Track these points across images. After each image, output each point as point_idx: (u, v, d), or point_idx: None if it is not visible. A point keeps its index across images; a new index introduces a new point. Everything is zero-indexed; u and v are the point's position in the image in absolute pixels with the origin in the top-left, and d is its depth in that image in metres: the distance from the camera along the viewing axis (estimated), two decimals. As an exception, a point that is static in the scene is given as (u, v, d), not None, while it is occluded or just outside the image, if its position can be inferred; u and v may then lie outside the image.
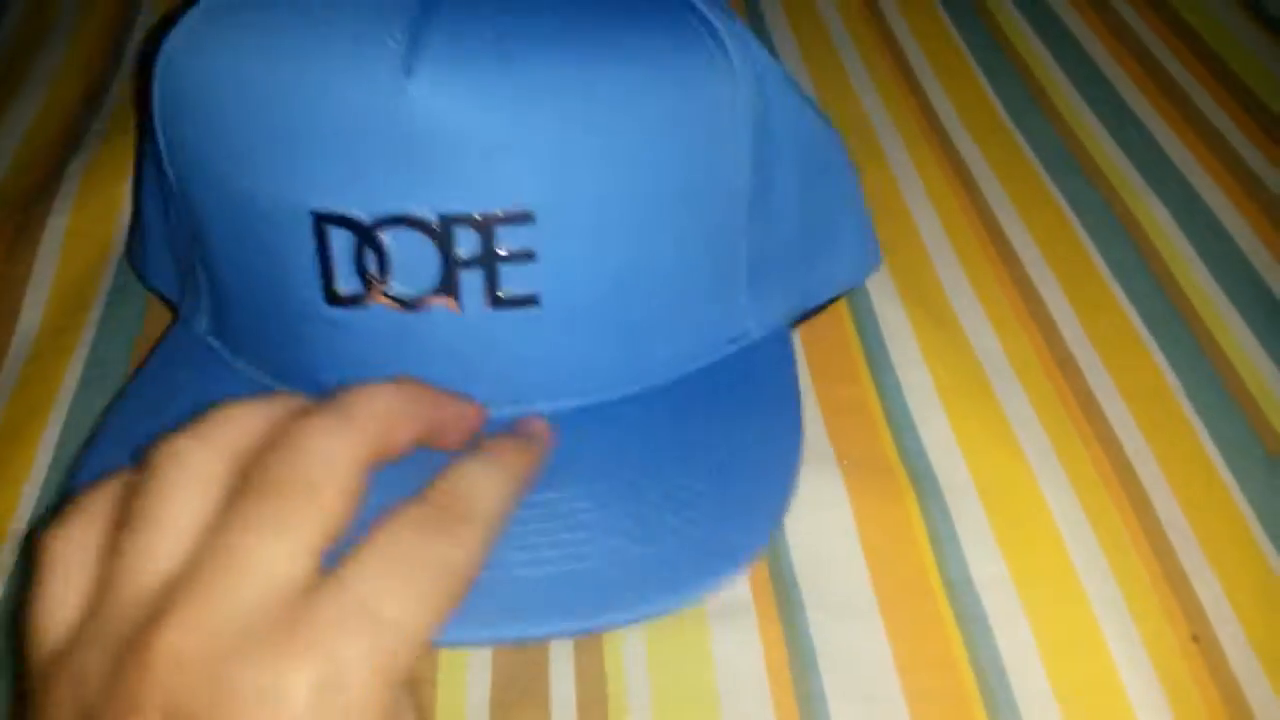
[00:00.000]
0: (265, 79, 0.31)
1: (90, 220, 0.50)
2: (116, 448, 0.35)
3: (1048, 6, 0.61)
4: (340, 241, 0.31)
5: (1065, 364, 0.42)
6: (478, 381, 0.33)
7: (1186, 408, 0.40)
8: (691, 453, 0.34)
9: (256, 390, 0.35)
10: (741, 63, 0.33)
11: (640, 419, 0.34)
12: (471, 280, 0.31)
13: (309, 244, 0.31)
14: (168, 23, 0.35)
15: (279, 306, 0.34)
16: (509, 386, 0.34)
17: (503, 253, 0.31)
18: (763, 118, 0.34)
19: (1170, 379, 0.41)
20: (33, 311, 0.47)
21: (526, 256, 0.31)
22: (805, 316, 0.41)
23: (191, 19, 0.33)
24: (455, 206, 0.30)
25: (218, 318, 0.37)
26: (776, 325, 0.38)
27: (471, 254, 0.31)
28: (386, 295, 0.32)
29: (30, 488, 0.40)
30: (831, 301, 0.42)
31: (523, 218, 0.31)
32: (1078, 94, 0.55)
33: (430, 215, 0.30)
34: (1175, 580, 0.35)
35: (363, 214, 0.31)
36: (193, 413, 0.28)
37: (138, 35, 0.61)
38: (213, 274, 0.36)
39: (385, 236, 0.31)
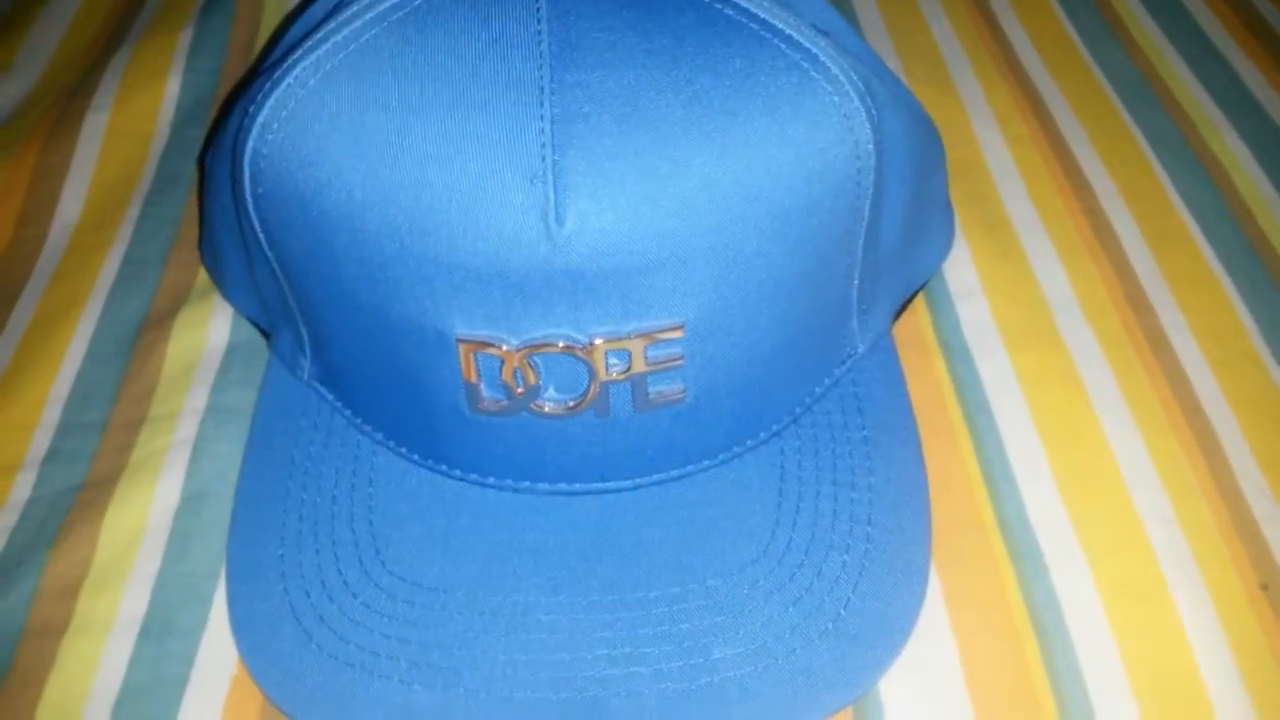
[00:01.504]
0: (398, 216, 0.29)
1: (131, 118, 0.49)
2: (264, 519, 0.34)
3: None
4: (485, 362, 0.30)
5: (1136, 300, 0.40)
6: (612, 461, 0.33)
7: (1261, 349, 0.38)
8: (829, 515, 0.33)
9: (391, 456, 0.35)
10: (867, 110, 0.31)
11: (769, 478, 0.34)
12: (620, 390, 0.31)
13: (453, 362, 0.30)
14: (247, 87, 0.33)
15: (413, 400, 0.33)
16: (643, 462, 0.33)
17: (651, 361, 0.30)
18: (881, 151, 0.32)
19: (1245, 319, 0.39)
20: (72, 204, 0.46)
21: (674, 361, 0.31)
22: (903, 309, 0.39)
23: (280, 111, 0.30)
24: (606, 328, 0.29)
25: (328, 373, 0.36)
26: (881, 331, 0.37)
27: (621, 369, 0.30)
28: (533, 405, 0.31)
29: (63, 376, 0.39)
30: (925, 285, 0.40)
31: (672, 329, 0.30)
32: (1157, 27, 0.52)
33: (580, 338, 0.29)
34: (1244, 527, 0.34)
35: (511, 340, 0.30)
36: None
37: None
38: (321, 341, 0.35)
39: (534, 358, 0.30)
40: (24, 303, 0.42)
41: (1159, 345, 0.39)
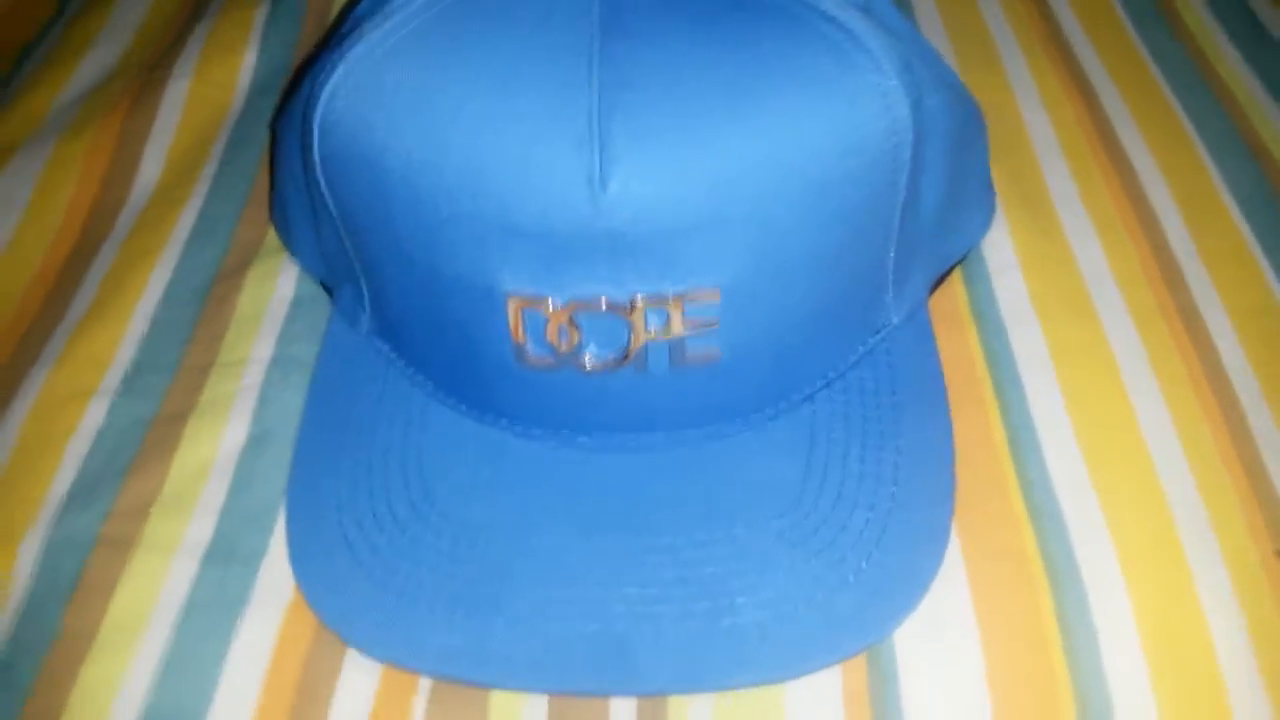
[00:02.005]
0: (452, 177, 0.31)
1: (210, 85, 0.51)
2: (322, 461, 0.36)
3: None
4: (531, 317, 0.32)
5: (1171, 278, 0.40)
6: (650, 416, 0.35)
7: (1296, 329, 0.39)
8: (856, 475, 0.34)
9: (442, 406, 0.37)
10: (905, 86, 0.32)
11: (800, 438, 0.35)
12: (658, 349, 0.32)
13: (500, 317, 0.32)
14: (315, 63, 0.34)
15: (464, 354, 0.35)
16: (679, 417, 0.35)
17: (689, 324, 0.32)
18: (920, 128, 0.33)
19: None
20: (152, 166, 0.49)
21: (710, 323, 0.32)
22: (939, 282, 0.40)
23: (349, 78, 0.32)
24: (647, 288, 0.31)
25: (385, 327, 0.38)
26: (916, 303, 0.38)
27: (659, 328, 0.32)
28: (576, 360, 0.33)
29: (139, 318, 0.42)
30: (963, 259, 0.41)
31: (709, 292, 0.31)
32: (1209, 11, 0.52)
33: (622, 298, 0.31)
34: (1263, 496, 0.34)
35: (556, 297, 0.31)
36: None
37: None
38: (381, 295, 0.37)
39: (576, 314, 0.31)
40: (104, 253, 0.45)
41: (1191, 320, 0.39)
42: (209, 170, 0.48)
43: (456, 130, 0.31)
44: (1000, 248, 0.42)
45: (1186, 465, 0.35)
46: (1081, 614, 0.32)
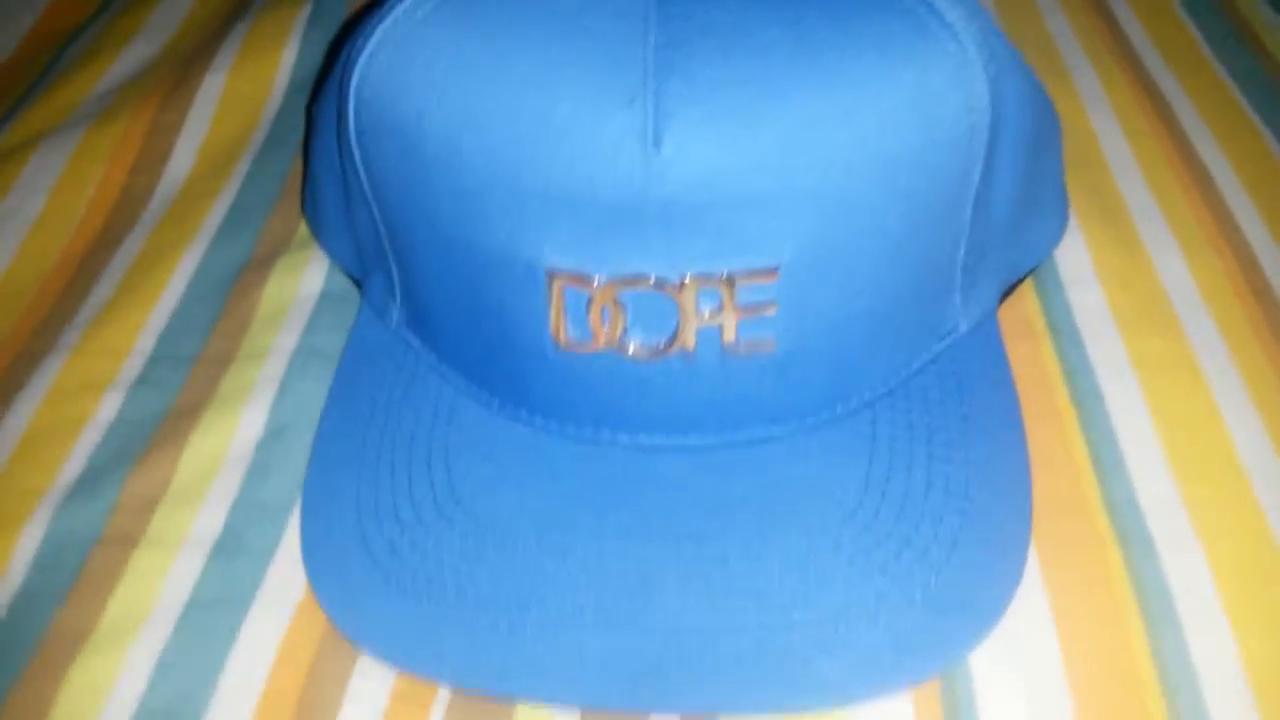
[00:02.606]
0: (494, 139, 0.28)
1: (248, 81, 0.50)
2: (342, 455, 0.34)
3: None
4: (572, 296, 0.30)
5: (1261, 293, 0.38)
6: (695, 413, 0.32)
7: (1401, 350, 0.36)
8: (922, 487, 0.31)
9: (472, 403, 0.34)
10: (984, 62, 0.30)
11: (859, 446, 0.32)
12: (708, 334, 0.30)
13: (540, 296, 0.30)
14: (356, 26, 0.33)
15: (497, 339, 0.32)
16: (727, 416, 0.32)
17: (743, 306, 0.29)
18: (998, 112, 0.31)
19: (1382, 318, 0.37)
20: (183, 158, 0.47)
21: (766, 307, 0.30)
22: (1009, 291, 0.38)
23: (387, 43, 0.31)
24: (699, 266, 0.29)
25: (415, 316, 0.36)
26: (986, 311, 0.35)
27: (711, 309, 0.29)
28: (618, 345, 0.30)
29: (161, 309, 0.40)
30: (1033, 271, 0.39)
31: (767, 273, 0.29)
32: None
33: (672, 276, 0.29)
34: (1380, 525, 0.31)
35: (601, 273, 0.29)
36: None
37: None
38: (412, 283, 0.35)
39: (622, 293, 0.29)
40: (130, 242, 0.43)
41: (1286, 338, 0.36)
42: (242, 166, 0.47)
43: (499, 90, 0.28)
44: (1075, 258, 0.39)
45: (1292, 490, 0.32)
46: (1180, 652, 0.29)
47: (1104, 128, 0.45)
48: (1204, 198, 0.41)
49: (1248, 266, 0.39)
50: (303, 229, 0.43)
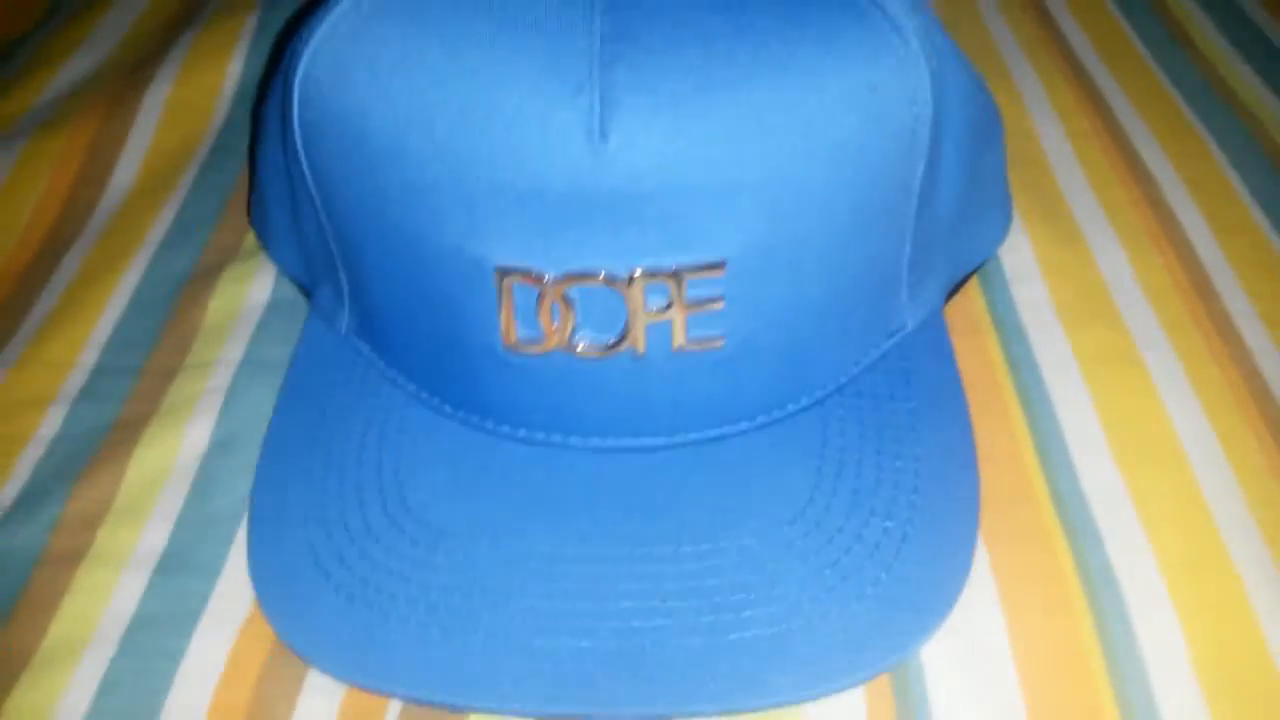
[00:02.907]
0: (441, 134, 0.28)
1: (193, 91, 0.50)
2: (290, 465, 0.33)
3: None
4: (521, 294, 0.29)
5: (1201, 286, 0.38)
6: (647, 412, 0.32)
7: (1335, 337, 0.37)
8: (871, 483, 0.32)
9: (423, 409, 0.34)
10: (926, 56, 0.30)
11: (810, 443, 0.32)
12: (657, 329, 0.30)
13: (489, 294, 0.30)
14: (300, 25, 0.32)
15: (447, 341, 0.32)
16: (679, 415, 0.32)
17: (691, 301, 0.29)
18: (940, 105, 0.31)
19: (1318, 307, 0.37)
20: (127, 170, 0.47)
21: (715, 301, 0.30)
22: (955, 289, 0.38)
23: (331, 39, 0.30)
24: (647, 261, 0.29)
25: (364, 322, 0.35)
26: (932, 308, 0.36)
27: (660, 305, 0.29)
28: (568, 344, 0.30)
29: (104, 322, 0.40)
30: (978, 269, 0.39)
31: (715, 267, 0.29)
32: (1219, 33, 0.51)
33: (620, 270, 0.29)
34: (1320, 510, 0.32)
35: (550, 270, 0.29)
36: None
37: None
38: (361, 287, 0.34)
39: (570, 290, 0.29)
40: (73, 254, 0.43)
41: (1225, 329, 0.37)
42: (188, 176, 0.46)
43: (447, 85, 0.28)
44: (1019, 255, 0.40)
45: (1231, 473, 0.32)
46: (1126, 637, 0.29)
47: (1045, 128, 0.45)
48: (1144, 194, 0.42)
49: (1187, 259, 0.39)
50: (250, 239, 0.43)
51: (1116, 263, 0.39)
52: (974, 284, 0.39)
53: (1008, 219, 0.40)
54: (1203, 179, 0.43)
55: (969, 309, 0.38)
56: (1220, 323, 0.37)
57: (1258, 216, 0.41)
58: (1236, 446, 0.33)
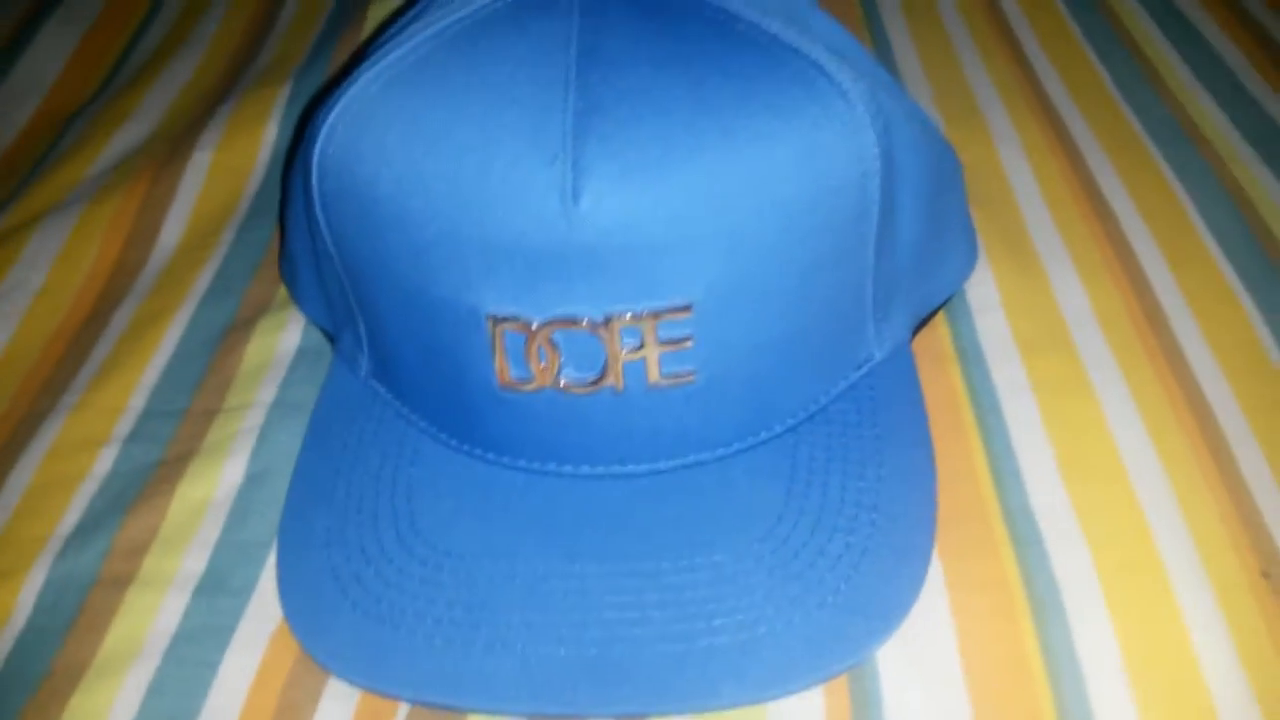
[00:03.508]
0: (437, 199, 0.32)
1: (232, 155, 0.54)
2: (315, 495, 0.37)
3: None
4: (511, 339, 0.33)
5: (1153, 315, 0.41)
6: (628, 442, 0.35)
7: (1277, 362, 0.39)
8: (836, 502, 0.35)
9: (433, 443, 0.38)
10: (871, 117, 0.33)
11: (781, 467, 0.36)
12: (634, 367, 0.33)
13: (483, 339, 0.33)
14: (319, 102, 0.36)
15: (451, 381, 0.36)
16: (658, 444, 0.36)
17: (663, 341, 0.33)
18: (889, 160, 0.34)
19: (1264, 335, 0.40)
20: (173, 230, 0.51)
21: (685, 340, 0.33)
22: (922, 323, 0.41)
23: (344, 117, 0.34)
24: (619, 307, 0.32)
25: (381, 365, 0.39)
26: (899, 342, 0.39)
27: (634, 345, 0.33)
28: (555, 382, 0.34)
29: (151, 369, 0.44)
30: (945, 303, 0.42)
31: (681, 309, 0.32)
32: (1190, 73, 0.53)
33: (596, 315, 0.32)
34: (1250, 520, 0.34)
35: (534, 316, 0.32)
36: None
37: (292, 5, 0.67)
38: (376, 334, 0.39)
39: (554, 334, 0.33)
40: (124, 309, 0.47)
41: (1173, 356, 0.39)
42: (227, 235, 0.51)
43: (441, 155, 0.32)
44: (983, 288, 0.43)
45: (1170, 490, 0.35)
46: (1064, 641, 0.32)
47: (1014, 166, 0.48)
48: (1104, 230, 0.45)
49: (1141, 291, 0.42)
50: (282, 292, 0.47)
51: (1074, 294, 0.42)
52: (940, 316, 0.42)
53: (973, 255, 0.43)
54: (1161, 213, 0.45)
55: (935, 340, 0.41)
56: (1169, 349, 0.40)
57: (1211, 247, 0.44)
58: (1176, 466, 0.36)
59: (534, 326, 0.33)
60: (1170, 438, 0.37)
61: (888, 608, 0.32)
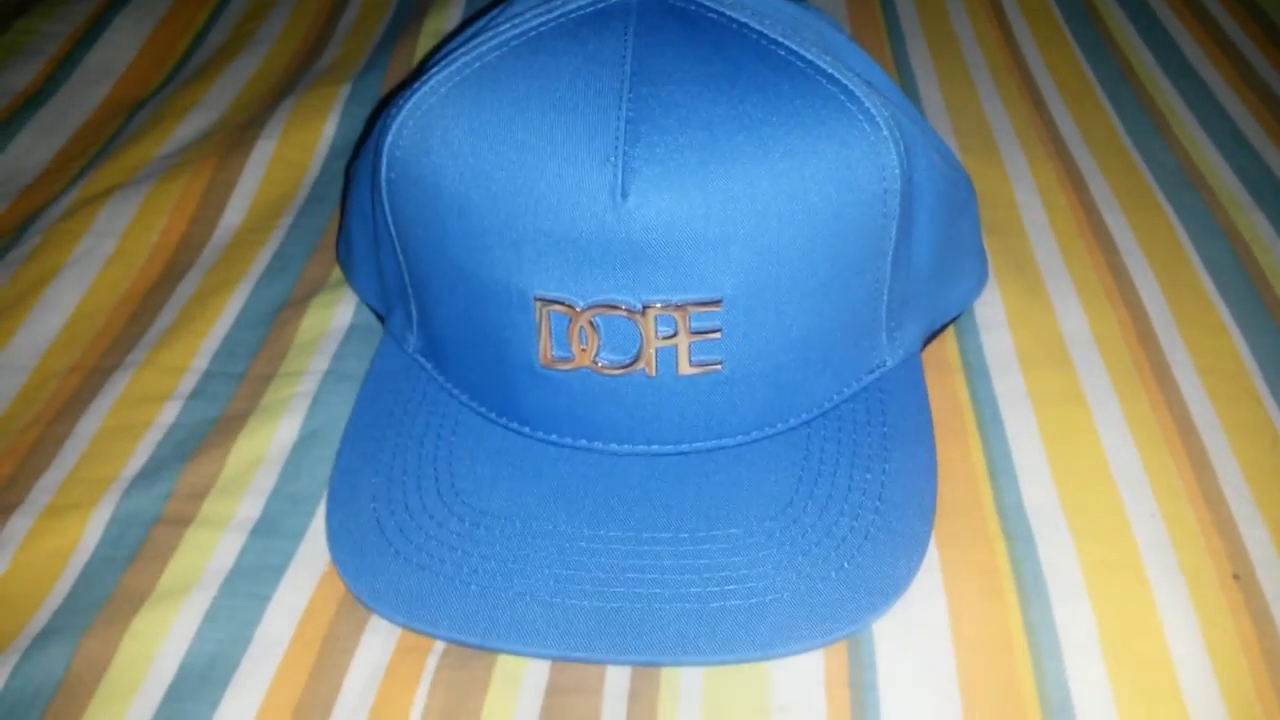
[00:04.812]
0: (497, 190, 0.36)
1: (292, 148, 0.58)
2: (363, 456, 0.41)
3: (1177, 45, 0.64)
4: (556, 320, 0.36)
5: (1146, 339, 0.44)
6: (657, 423, 0.38)
7: (1261, 389, 0.42)
8: (844, 489, 0.38)
9: (473, 416, 0.41)
10: (894, 140, 0.36)
11: (794, 456, 0.39)
12: (666, 353, 0.37)
13: (529, 320, 0.37)
14: (389, 101, 0.39)
15: (495, 359, 0.39)
16: (684, 427, 0.39)
17: (694, 331, 0.36)
18: (908, 180, 0.37)
19: (1250, 363, 0.43)
20: (235, 213, 0.55)
21: (714, 332, 0.36)
22: (934, 336, 0.44)
23: (414, 114, 0.38)
24: (657, 296, 0.35)
25: (429, 343, 0.43)
26: (910, 351, 0.42)
27: (667, 333, 0.36)
28: (592, 363, 0.37)
29: (214, 335, 0.47)
30: (955, 319, 0.45)
31: (712, 303, 0.36)
32: (1197, 123, 0.57)
33: (635, 303, 0.35)
34: (1224, 527, 0.37)
35: (578, 300, 0.36)
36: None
37: (353, 12, 0.71)
38: (427, 313, 0.42)
39: (595, 318, 0.36)
40: (189, 279, 0.50)
41: (1163, 376, 0.42)
42: (286, 220, 0.54)
43: (502, 151, 0.36)
44: (990, 308, 0.46)
45: (1151, 494, 0.38)
46: (1046, 624, 0.35)
47: (1026, 200, 0.52)
48: (1106, 260, 0.48)
49: (1137, 316, 0.45)
50: (335, 273, 0.51)
51: (1074, 316, 0.45)
52: (950, 331, 0.45)
53: (983, 277, 0.47)
54: (1160, 248, 0.49)
55: (944, 353, 0.44)
56: (1159, 370, 0.43)
57: (1206, 282, 0.47)
58: (1159, 474, 0.39)
59: (578, 309, 0.36)
60: (1155, 449, 0.40)
61: (886, 585, 0.35)
